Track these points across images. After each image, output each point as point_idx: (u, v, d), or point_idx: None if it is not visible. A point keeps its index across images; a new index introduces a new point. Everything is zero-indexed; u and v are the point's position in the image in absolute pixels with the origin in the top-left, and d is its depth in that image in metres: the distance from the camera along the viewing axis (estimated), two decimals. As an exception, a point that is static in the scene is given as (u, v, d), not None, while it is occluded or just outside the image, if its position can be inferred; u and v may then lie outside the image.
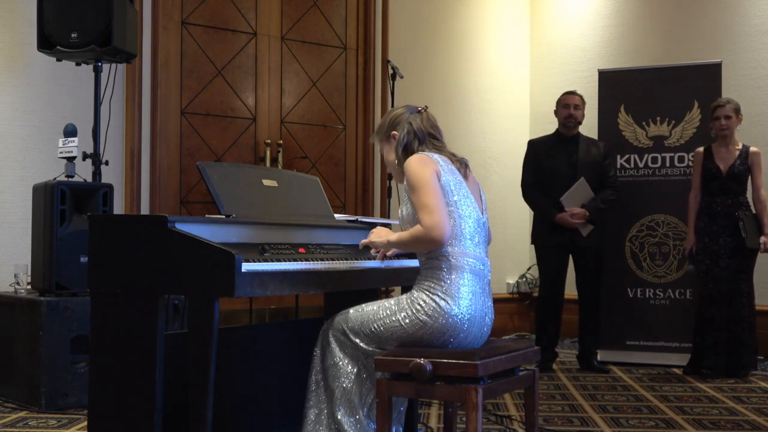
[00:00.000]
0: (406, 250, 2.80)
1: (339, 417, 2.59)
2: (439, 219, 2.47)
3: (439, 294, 2.50)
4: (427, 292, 2.52)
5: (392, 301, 2.59)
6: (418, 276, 2.60)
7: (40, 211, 3.99)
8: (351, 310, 2.65)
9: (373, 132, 2.86)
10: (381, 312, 2.57)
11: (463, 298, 2.50)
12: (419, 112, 2.75)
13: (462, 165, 2.66)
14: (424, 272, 2.57)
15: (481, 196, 2.71)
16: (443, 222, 2.47)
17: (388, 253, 2.90)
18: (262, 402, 3.02)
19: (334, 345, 2.65)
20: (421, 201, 2.50)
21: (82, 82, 4.73)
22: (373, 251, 2.89)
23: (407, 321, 2.51)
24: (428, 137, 2.70)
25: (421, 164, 2.55)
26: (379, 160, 6.03)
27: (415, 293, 2.55)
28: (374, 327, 2.57)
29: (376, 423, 2.48)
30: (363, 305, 2.65)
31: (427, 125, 2.72)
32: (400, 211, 2.66)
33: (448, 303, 2.49)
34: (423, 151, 2.66)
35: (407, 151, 2.68)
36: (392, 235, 2.67)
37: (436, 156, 2.60)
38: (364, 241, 2.80)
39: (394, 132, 2.72)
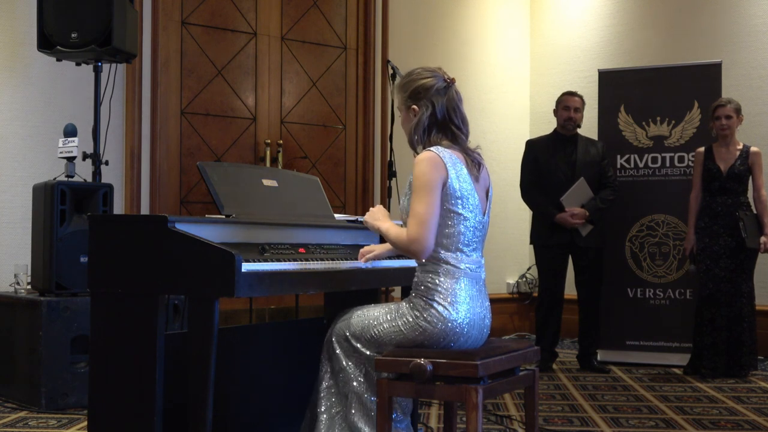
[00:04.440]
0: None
1: (354, 420, 2.59)
2: (424, 233, 2.43)
3: (437, 300, 2.49)
4: (426, 298, 2.51)
5: (393, 306, 2.59)
6: (415, 280, 2.58)
7: (40, 211, 3.99)
8: (353, 316, 2.65)
9: (395, 88, 2.68)
10: (381, 317, 2.57)
11: (461, 303, 2.50)
12: (446, 86, 2.60)
13: (475, 164, 2.58)
14: (421, 276, 2.55)
15: (488, 193, 2.66)
16: (427, 238, 2.44)
17: (369, 258, 2.83)
18: (262, 402, 3.02)
19: (338, 351, 2.65)
20: (415, 208, 2.46)
21: (82, 82, 4.73)
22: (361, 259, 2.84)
23: (407, 327, 2.51)
24: (449, 122, 2.58)
25: (431, 167, 2.46)
26: (380, 160, 6.03)
27: (413, 299, 2.55)
28: (374, 332, 2.57)
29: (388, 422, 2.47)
30: (364, 310, 2.65)
31: (450, 106, 2.58)
32: (401, 202, 2.63)
33: (446, 309, 2.48)
34: (441, 140, 2.58)
35: (425, 135, 2.59)
36: (384, 223, 2.61)
37: (448, 157, 2.50)
38: (366, 248, 2.83)
39: (415, 107, 2.60)
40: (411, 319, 2.51)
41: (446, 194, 2.49)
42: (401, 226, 2.60)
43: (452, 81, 2.62)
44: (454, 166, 2.51)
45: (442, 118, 2.58)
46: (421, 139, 2.61)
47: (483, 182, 2.64)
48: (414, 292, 2.56)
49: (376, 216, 2.66)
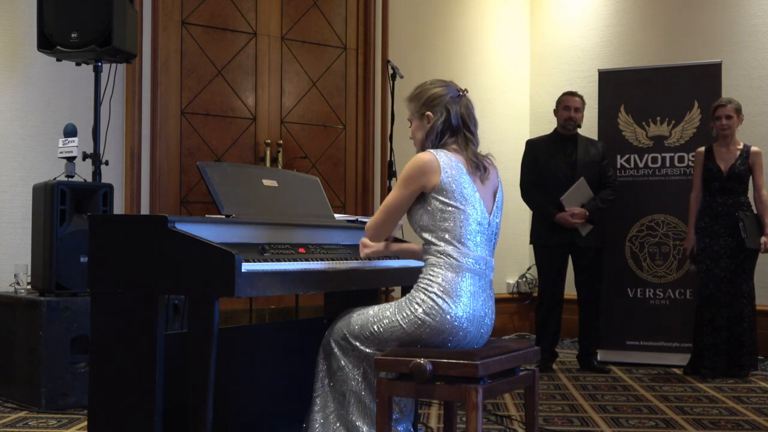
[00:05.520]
0: None
1: (353, 419, 2.60)
2: (377, 224, 2.67)
3: (437, 293, 2.50)
4: (425, 291, 2.52)
5: (392, 303, 2.60)
6: (419, 275, 2.59)
7: (40, 211, 3.99)
8: (351, 316, 2.66)
9: (406, 100, 2.77)
10: (380, 314, 2.58)
11: (462, 298, 2.50)
12: (459, 96, 2.67)
13: (479, 168, 2.61)
14: (424, 270, 2.57)
15: (495, 195, 2.68)
16: (379, 230, 2.68)
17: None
18: (262, 402, 3.02)
19: (336, 351, 2.66)
20: (386, 200, 2.64)
21: (82, 82, 4.73)
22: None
23: (406, 321, 2.52)
24: (463, 128, 2.65)
25: (415, 168, 2.54)
26: (380, 160, 6.03)
27: (413, 293, 2.56)
28: (374, 329, 2.57)
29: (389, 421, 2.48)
30: (364, 309, 2.65)
31: (465, 113, 2.66)
32: (411, 215, 2.67)
33: (445, 302, 2.49)
34: (450, 145, 2.63)
35: (437, 140, 2.64)
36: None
37: (444, 156, 2.55)
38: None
39: (429, 113, 2.65)
40: (409, 312, 2.51)
41: (440, 189, 2.54)
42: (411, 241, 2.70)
43: (465, 91, 2.70)
44: (450, 164, 2.56)
45: (456, 124, 2.65)
46: (433, 144, 2.64)
47: (490, 184, 2.67)
48: (415, 286, 2.57)
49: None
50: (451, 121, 2.64)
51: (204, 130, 5.43)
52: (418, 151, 2.69)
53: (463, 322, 2.50)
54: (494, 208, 2.67)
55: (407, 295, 2.58)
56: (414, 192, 2.56)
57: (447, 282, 2.51)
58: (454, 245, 2.53)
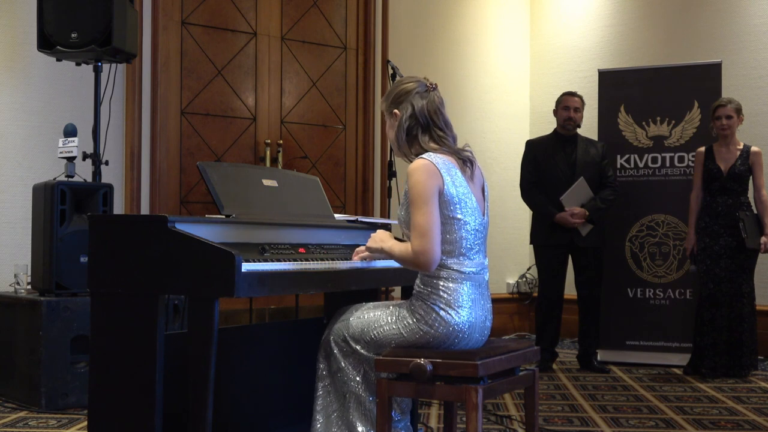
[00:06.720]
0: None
1: (353, 420, 2.59)
2: (428, 245, 2.40)
3: (439, 304, 2.48)
4: (427, 302, 2.50)
5: (393, 308, 2.58)
6: (417, 282, 2.57)
7: (40, 211, 3.99)
8: (351, 316, 2.65)
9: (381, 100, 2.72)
10: (381, 320, 2.56)
11: (463, 307, 2.49)
12: (427, 90, 2.59)
13: (466, 164, 2.55)
14: (424, 279, 2.54)
15: (484, 192, 2.64)
16: (432, 248, 2.41)
17: (363, 257, 2.76)
18: (262, 402, 3.02)
19: (336, 351, 2.65)
20: (415, 220, 2.43)
21: (82, 82, 4.73)
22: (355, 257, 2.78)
23: (407, 330, 2.51)
24: (432, 125, 2.56)
25: (425, 175, 2.44)
26: (380, 160, 6.03)
27: (414, 302, 2.54)
28: (374, 334, 2.56)
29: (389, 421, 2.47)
30: (363, 311, 2.64)
31: (431, 109, 2.56)
32: (399, 213, 2.61)
33: (448, 313, 2.47)
34: (427, 143, 2.56)
35: (410, 137, 2.58)
36: (387, 242, 2.58)
37: (440, 161, 2.47)
38: (361, 248, 2.75)
39: (396, 111, 2.59)
40: (411, 323, 2.51)
41: (444, 201, 2.47)
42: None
43: (434, 86, 2.62)
44: (449, 171, 2.49)
45: (424, 120, 2.56)
46: (404, 140, 2.59)
47: (478, 181, 2.62)
48: (415, 296, 2.55)
49: (379, 238, 2.62)
50: (417, 116, 2.56)
51: (204, 130, 5.43)
52: (395, 151, 2.66)
53: (466, 330, 2.49)
54: (485, 207, 2.64)
55: (408, 303, 2.56)
56: (436, 196, 2.45)
57: (448, 293, 2.48)
58: (455, 257, 2.50)
